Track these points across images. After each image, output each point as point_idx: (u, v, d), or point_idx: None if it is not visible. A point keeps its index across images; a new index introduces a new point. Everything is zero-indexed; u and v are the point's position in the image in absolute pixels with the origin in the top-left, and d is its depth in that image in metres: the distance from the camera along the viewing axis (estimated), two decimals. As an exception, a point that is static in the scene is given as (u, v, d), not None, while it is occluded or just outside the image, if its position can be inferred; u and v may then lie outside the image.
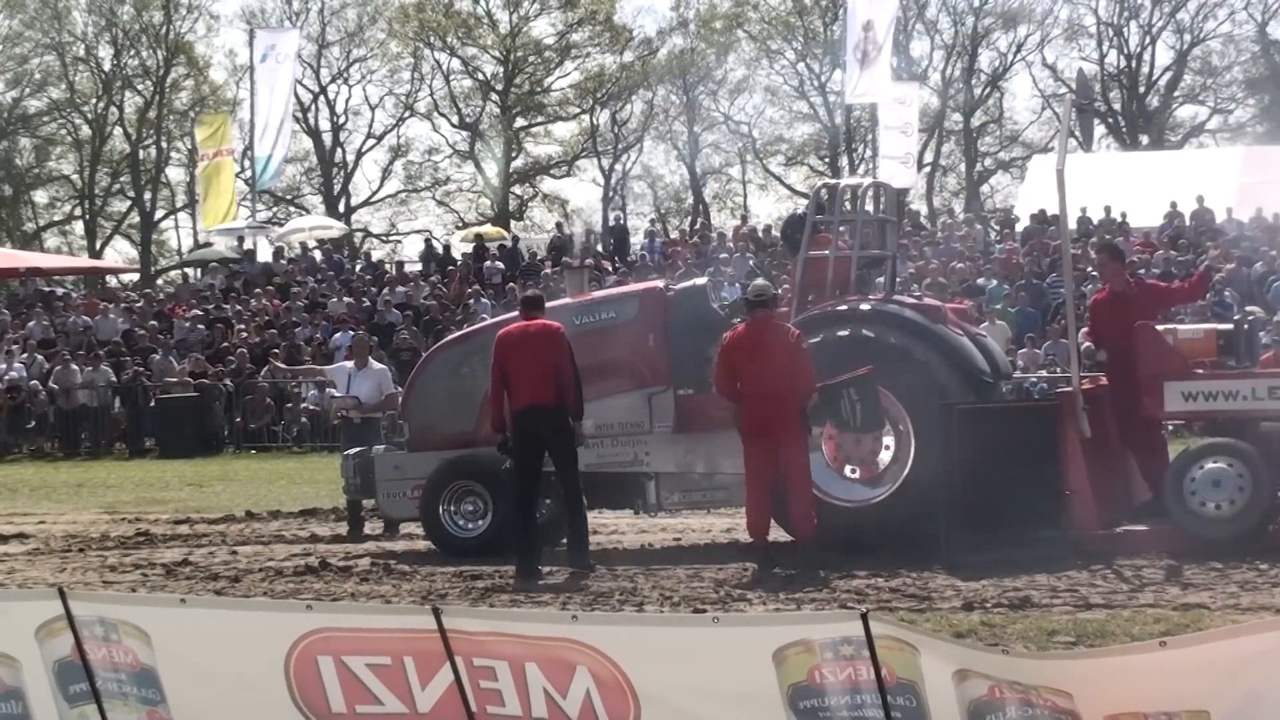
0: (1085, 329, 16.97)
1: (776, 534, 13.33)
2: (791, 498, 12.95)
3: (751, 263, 33.34)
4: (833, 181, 16.02)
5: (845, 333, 13.65)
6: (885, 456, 13.71)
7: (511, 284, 34.50)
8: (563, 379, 13.11)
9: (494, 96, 63.69)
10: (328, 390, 20.21)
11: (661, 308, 14.45)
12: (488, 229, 48.06)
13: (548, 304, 14.28)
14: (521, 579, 12.84)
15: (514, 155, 64.24)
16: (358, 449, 15.85)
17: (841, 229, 14.90)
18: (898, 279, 16.66)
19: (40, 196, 66.84)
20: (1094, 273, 26.42)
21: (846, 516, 13.43)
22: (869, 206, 15.15)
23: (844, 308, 14.00)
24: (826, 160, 63.06)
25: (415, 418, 15.19)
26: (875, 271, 15.26)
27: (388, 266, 40.08)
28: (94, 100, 64.27)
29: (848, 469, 13.82)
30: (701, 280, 15.85)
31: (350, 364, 18.26)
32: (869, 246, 14.84)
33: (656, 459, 14.27)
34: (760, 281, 13.65)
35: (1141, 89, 61.97)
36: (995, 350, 14.91)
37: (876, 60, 40.10)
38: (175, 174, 65.29)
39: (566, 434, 13.23)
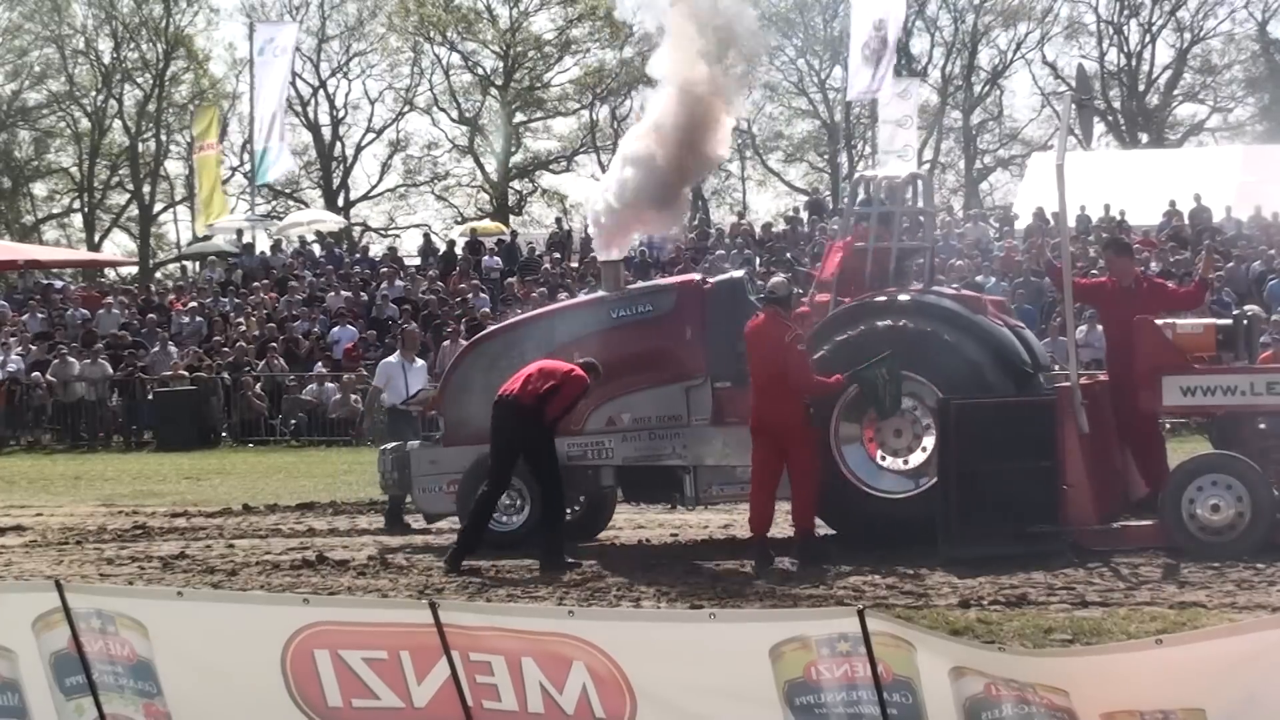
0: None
1: (779, 529, 13.33)
2: (793, 493, 12.98)
3: (757, 261, 33.34)
4: (870, 173, 15.93)
5: (886, 323, 13.61)
6: (929, 445, 13.51)
7: (510, 279, 34.52)
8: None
9: (493, 91, 63.71)
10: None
11: (698, 300, 14.36)
12: (486, 224, 48.08)
13: (549, 303, 14.27)
14: (452, 563, 13.10)
15: (513, 148, 64.25)
16: (395, 444, 15.78)
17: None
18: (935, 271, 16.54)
19: (39, 189, 66.93)
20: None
21: (888, 508, 13.41)
22: (906, 198, 15.09)
23: (883, 299, 13.98)
24: (825, 156, 63.07)
25: (451, 412, 15.14)
26: (912, 263, 15.17)
27: (403, 258, 40.15)
28: (93, 93, 64.28)
29: (888, 460, 13.74)
30: (739, 273, 15.76)
31: (395, 358, 18.04)
32: (907, 238, 14.82)
33: (694, 452, 14.20)
34: (776, 279, 13.64)
35: (1141, 87, 61.98)
36: (1033, 341, 14.86)
37: (885, 57, 40.13)
38: (174, 167, 65.42)
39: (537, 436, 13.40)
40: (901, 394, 13.18)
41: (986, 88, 63.00)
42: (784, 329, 13.02)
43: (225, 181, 54.11)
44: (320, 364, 30.24)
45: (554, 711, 5.89)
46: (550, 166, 66.06)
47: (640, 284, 16.37)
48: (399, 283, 34.48)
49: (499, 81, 63.62)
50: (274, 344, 30.69)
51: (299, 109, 62.51)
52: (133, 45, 64.21)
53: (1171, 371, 12.99)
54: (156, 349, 31.20)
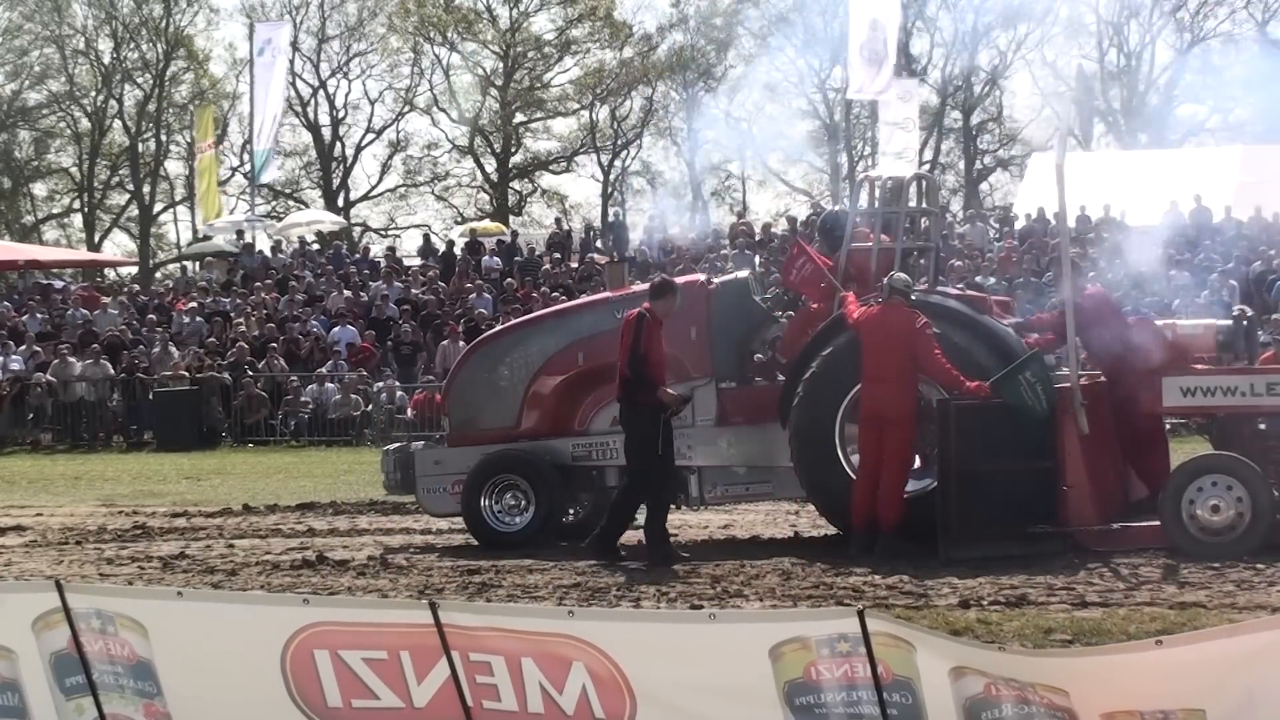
0: None
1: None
2: (882, 482, 13.06)
3: (758, 261, 33.30)
4: (875, 174, 15.85)
5: None
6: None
7: (510, 279, 34.52)
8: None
9: (493, 91, 63.73)
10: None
11: (703, 300, 14.35)
12: (486, 224, 48.09)
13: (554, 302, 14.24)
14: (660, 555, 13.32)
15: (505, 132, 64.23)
16: (398, 444, 15.70)
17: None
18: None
19: (39, 189, 66.90)
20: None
21: (906, 506, 13.38)
22: (911, 198, 15.06)
23: None
24: (825, 156, 63.04)
25: (456, 412, 15.14)
26: (916, 262, 15.13)
27: (402, 258, 40.11)
28: (93, 93, 64.25)
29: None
30: (743, 273, 15.75)
31: None
32: (912, 238, 14.81)
33: (699, 453, 14.20)
34: (900, 275, 13.60)
35: (1141, 87, 61.95)
36: None
37: (885, 58, 40.09)
38: (174, 167, 65.40)
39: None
40: (1051, 393, 12.81)
41: (986, 88, 62.96)
42: (912, 317, 13.05)
43: (224, 182, 54.11)
44: (324, 365, 30.27)
45: (554, 712, 5.89)
46: (550, 167, 66.05)
47: (644, 284, 16.32)
48: (399, 283, 34.48)
49: (499, 81, 63.64)
50: (274, 344, 30.68)
51: (299, 109, 62.49)
52: (133, 45, 64.19)
53: (1172, 372, 12.98)
54: (157, 349, 31.20)
